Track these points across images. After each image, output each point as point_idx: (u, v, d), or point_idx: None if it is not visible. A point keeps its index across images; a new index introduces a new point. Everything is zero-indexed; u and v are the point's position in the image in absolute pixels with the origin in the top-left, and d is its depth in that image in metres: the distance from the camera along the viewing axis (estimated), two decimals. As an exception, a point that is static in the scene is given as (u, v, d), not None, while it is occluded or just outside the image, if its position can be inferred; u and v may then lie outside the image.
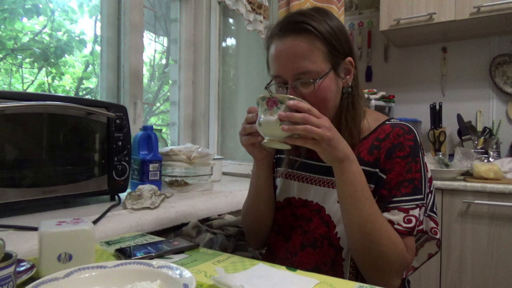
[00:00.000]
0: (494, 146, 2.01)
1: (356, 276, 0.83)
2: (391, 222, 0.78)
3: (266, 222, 0.96)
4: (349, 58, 0.83)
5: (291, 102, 0.71)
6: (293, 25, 0.79)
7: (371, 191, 0.81)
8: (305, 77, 0.79)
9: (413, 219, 0.78)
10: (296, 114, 0.69)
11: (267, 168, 0.91)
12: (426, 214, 0.85)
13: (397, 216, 0.78)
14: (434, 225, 0.86)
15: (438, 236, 0.86)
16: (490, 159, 1.96)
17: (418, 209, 0.79)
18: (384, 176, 0.81)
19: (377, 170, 0.82)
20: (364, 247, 0.77)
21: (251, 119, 0.79)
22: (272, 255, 0.94)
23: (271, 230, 0.96)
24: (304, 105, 0.71)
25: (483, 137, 2.03)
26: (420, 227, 0.82)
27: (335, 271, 0.83)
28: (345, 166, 0.74)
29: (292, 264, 0.86)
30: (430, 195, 0.86)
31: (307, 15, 0.81)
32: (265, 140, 0.74)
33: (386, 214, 0.79)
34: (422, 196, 0.80)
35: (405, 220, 0.78)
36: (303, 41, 0.78)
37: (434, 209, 0.87)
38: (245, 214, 1.00)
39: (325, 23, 0.80)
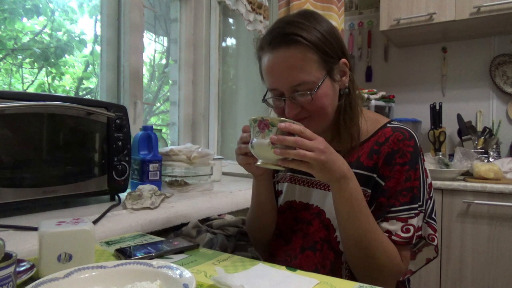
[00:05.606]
0: (494, 146, 2.01)
1: (351, 279, 0.83)
2: (389, 232, 0.78)
3: (271, 231, 0.96)
4: (343, 60, 0.82)
5: (283, 124, 0.69)
6: (283, 37, 0.77)
7: (368, 196, 0.81)
8: (301, 88, 0.77)
9: (411, 228, 0.78)
10: (288, 138, 0.68)
11: (267, 183, 0.91)
12: (424, 221, 0.85)
13: (395, 226, 0.78)
14: (432, 232, 0.86)
15: (435, 243, 0.86)
16: (490, 159, 1.96)
17: (416, 217, 0.79)
18: (383, 183, 0.80)
19: (375, 175, 0.81)
20: (360, 260, 0.78)
21: (245, 139, 0.78)
22: (271, 258, 0.94)
23: (272, 234, 0.96)
24: (296, 127, 0.69)
25: (483, 137, 2.03)
26: (419, 233, 0.82)
27: (334, 275, 0.82)
28: (342, 184, 0.73)
29: (291, 267, 0.86)
30: (429, 201, 0.86)
31: (295, 24, 0.78)
32: (259, 163, 0.73)
33: (384, 224, 0.79)
34: (421, 203, 0.81)
35: (403, 229, 0.78)
36: (295, 53, 0.76)
37: (433, 216, 0.87)
38: (250, 227, 1.00)
39: (315, 29, 0.77)
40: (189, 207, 1.15)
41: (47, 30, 1.53)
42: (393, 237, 0.78)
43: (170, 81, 1.99)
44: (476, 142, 2.03)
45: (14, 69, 1.46)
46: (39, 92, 1.50)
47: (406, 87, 2.41)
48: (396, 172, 0.79)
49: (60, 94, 1.58)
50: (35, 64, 1.50)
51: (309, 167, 0.69)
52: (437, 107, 2.19)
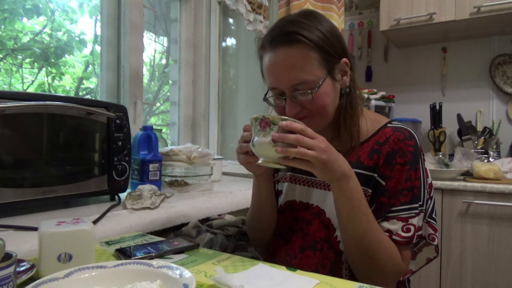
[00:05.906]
0: (494, 146, 2.01)
1: (352, 279, 0.83)
2: (390, 232, 0.78)
3: (271, 231, 0.96)
4: (344, 59, 0.82)
5: (284, 123, 0.69)
6: (284, 36, 0.77)
7: (368, 196, 0.81)
8: (302, 87, 0.78)
9: (412, 228, 0.78)
10: (289, 136, 0.68)
11: (268, 183, 0.91)
12: (425, 221, 0.85)
13: (395, 226, 0.78)
14: (432, 232, 0.86)
15: (435, 243, 0.86)
16: (490, 159, 1.96)
17: (417, 217, 0.79)
18: (383, 183, 0.80)
19: (375, 175, 0.81)
20: (360, 260, 0.78)
21: (247, 138, 0.78)
22: (271, 258, 0.94)
23: (272, 233, 0.96)
24: (297, 125, 0.69)
25: (483, 137, 2.03)
26: (419, 232, 0.82)
27: (334, 274, 0.82)
28: (342, 183, 0.73)
29: (291, 267, 0.86)
30: (430, 201, 0.86)
31: (297, 23, 0.78)
32: (260, 161, 0.73)
33: (385, 224, 0.79)
34: (421, 203, 0.81)
35: (404, 229, 0.78)
36: (296, 52, 0.76)
37: (433, 215, 0.87)
38: (250, 227, 1.00)
39: (316, 29, 0.78)
40: (189, 207, 1.15)
41: (47, 30, 1.53)
42: (394, 237, 0.78)
43: (170, 81, 1.99)
44: (476, 142, 2.03)
45: (14, 69, 1.46)
46: (39, 92, 1.50)
47: (406, 87, 2.41)
48: (397, 171, 0.79)
49: (60, 94, 1.58)
50: (35, 64, 1.50)
51: (310, 165, 0.69)
52: (437, 107, 2.19)
